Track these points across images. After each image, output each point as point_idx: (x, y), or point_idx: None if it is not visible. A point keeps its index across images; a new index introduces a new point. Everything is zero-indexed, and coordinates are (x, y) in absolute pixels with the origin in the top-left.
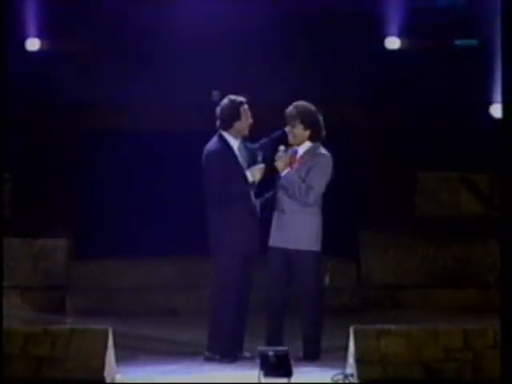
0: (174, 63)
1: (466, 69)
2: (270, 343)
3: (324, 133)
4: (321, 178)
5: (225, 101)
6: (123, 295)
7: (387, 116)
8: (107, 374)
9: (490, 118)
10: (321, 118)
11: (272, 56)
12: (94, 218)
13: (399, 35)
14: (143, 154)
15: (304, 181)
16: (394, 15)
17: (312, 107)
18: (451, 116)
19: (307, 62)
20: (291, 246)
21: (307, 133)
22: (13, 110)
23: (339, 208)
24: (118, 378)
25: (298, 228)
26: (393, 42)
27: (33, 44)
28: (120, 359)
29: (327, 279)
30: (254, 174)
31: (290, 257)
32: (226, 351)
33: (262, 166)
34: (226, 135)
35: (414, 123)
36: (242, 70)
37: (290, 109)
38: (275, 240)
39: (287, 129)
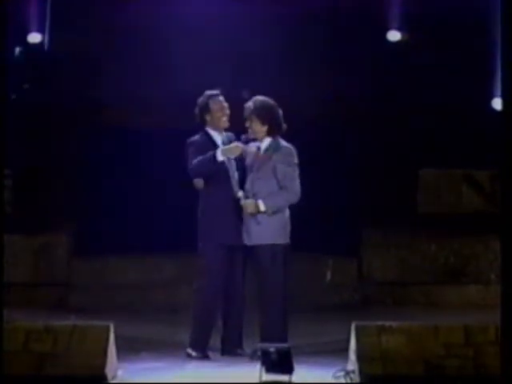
0: (176, 61)
1: (468, 65)
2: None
3: (284, 127)
4: (291, 171)
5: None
6: (125, 292)
7: (388, 113)
8: (108, 371)
9: (492, 114)
10: (280, 112)
11: (273, 55)
12: (96, 214)
13: (400, 29)
14: (145, 151)
15: (278, 182)
16: (395, 9)
17: (270, 102)
18: (452, 112)
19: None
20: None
21: (265, 128)
22: (13, 106)
23: (340, 206)
24: (120, 374)
25: (258, 224)
26: (394, 35)
27: (35, 37)
28: (121, 356)
29: (328, 276)
30: (225, 153)
31: (252, 253)
32: (202, 347)
33: (235, 144)
34: (209, 130)
35: (415, 120)
36: (244, 70)
37: (247, 104)
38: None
39: (246, 124)
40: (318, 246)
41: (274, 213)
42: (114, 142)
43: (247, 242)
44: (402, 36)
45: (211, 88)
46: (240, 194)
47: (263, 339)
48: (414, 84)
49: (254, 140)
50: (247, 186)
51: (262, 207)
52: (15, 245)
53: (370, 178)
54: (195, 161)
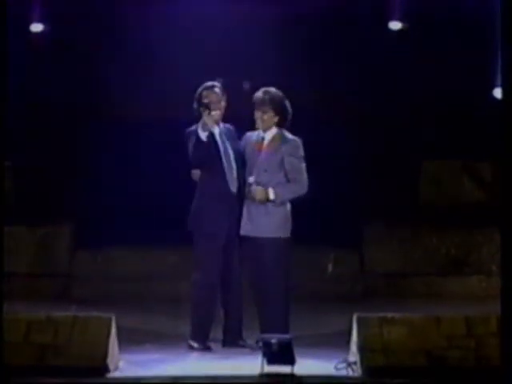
0: (175, 54)
1: (467, 55)
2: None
3: (290, 118)
4: (299, 163)
5: None
6: (126, 283)
7: (389, 104)
8: (110, 362)
9: (493, 104)
10: (288, 104)
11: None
12: (98, 205)
13: (401, 20)
14: (146, 143)
15: (285, 174)
16: (395, 4)
17: (281, 93)
18: (454, 103)
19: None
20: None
21: (276, 119)
22: (13, 98)
23: (342, 198)
24: (121, 365)
25: (264, 216)
26: (395, 25)
27: (37, 27)
28: (123, 347)
29: (330, 268)
30: (203, 128)
31: (257, 245)
32: (203, 339)
33: (204, 116)
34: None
35: (416, 111)
36: (244, 69)
37: (259, 94)
38: (244, 229)
39: (256, 114)
40: (319, 238)
41: (281, 203)
42: (116, 133)
43: (249, 232)
44: (403, 26)
45: (212, 80)
46: (251, 179)
47: (264, 333)
48: (414, 75)
49: (256, 129)
50: (253, 177)
51: (272, 195)
52: (17, 236)
53: (372, 170)
54: (190, 149)
